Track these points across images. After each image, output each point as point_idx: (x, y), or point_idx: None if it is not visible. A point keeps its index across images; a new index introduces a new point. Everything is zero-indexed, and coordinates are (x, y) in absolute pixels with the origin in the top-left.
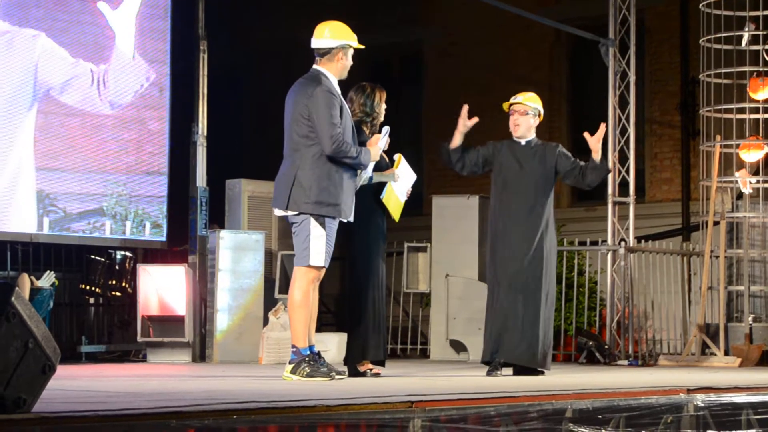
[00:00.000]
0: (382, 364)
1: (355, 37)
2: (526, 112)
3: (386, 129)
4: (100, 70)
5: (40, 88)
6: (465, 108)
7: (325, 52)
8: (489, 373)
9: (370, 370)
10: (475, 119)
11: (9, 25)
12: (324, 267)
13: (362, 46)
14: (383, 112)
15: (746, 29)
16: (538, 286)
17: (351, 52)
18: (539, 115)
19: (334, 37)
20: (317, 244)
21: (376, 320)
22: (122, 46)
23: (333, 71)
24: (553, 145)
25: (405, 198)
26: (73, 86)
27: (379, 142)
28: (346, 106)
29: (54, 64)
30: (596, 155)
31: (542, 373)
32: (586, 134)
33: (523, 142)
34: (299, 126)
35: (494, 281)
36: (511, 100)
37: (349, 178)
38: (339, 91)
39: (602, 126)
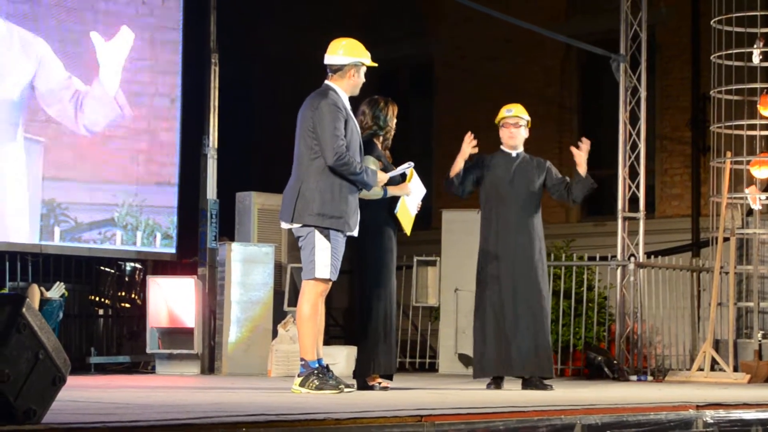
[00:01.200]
0: (390, 377)
1: (368, 54)
2: (519, 125)
3: (409, 165)
4: (83, 92)
5: (34, 94)
6: (469, 135)
7: (338, 69)
8: (489, 387)
9: (379, 383)
10: (475, 149)
11: (10, 24)
12: (331, 279)
13: (375, 64)
14: (395, 127)
15: (756, 46)
16: (539, 297)
17: (363, 69)
18: (528, 125)
19: (347, 54)
20: (323, 257)
21: (386, 334)
22: (105, 80)
23: (344, 88)
24: (543, 160)
25: (416, 211)
26: (56, 97)
27: (391, 172)
28: (354, 121)
29: (51, 72)
30: (581, 169)
31: (551, 387)
32: (572, 148)
33: (514, 153)
34: (305, 139)
35: (491, 294)
36: (504, 114)
37: (354, 192)
38: (348, 107)
39: (585, 140)
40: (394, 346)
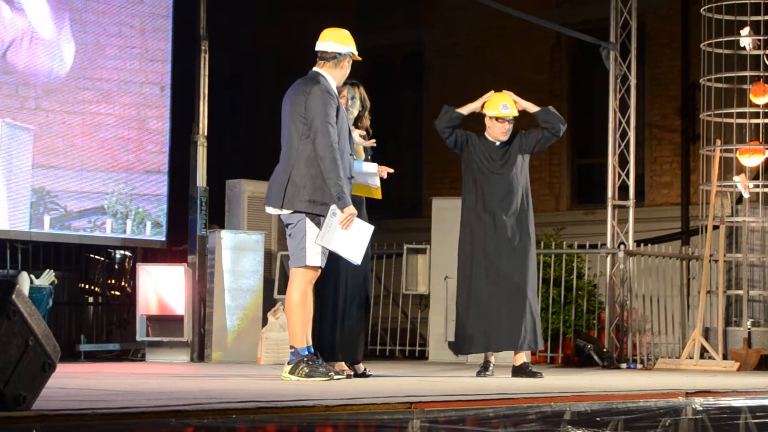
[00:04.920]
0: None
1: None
2: (512, 122)
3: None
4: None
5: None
6: (491, 93)
7: (332, 57)
8: (479, 374)
9: (366, 369)
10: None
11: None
12: (321, 267)
13: (360, 59)
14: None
15: (743, 33)
16: (523, 272)
17: (351, 61)
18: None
19: (343, 43)
20: (313, 244)
21: (347, 319)
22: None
23: (335, 76)
24: (515, 135)
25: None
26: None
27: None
28: (343, 108)
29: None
30: (532, 109)
31: (540, 375)
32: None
33: (497, 143)
34: (296, 124)
35: (480, 274)
36: (502, 112)
37: (345, 177)
38: (337, 94)
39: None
40: (354, 333)
